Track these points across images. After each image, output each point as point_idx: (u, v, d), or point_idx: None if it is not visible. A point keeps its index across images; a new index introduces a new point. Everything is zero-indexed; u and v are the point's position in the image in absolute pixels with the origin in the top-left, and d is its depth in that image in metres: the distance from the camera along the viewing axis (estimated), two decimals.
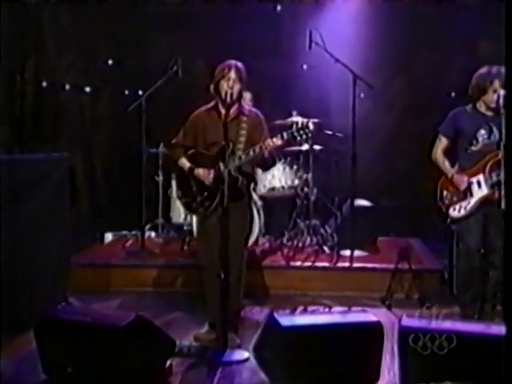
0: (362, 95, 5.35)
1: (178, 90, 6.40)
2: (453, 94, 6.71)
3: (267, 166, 4.14)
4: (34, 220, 4.35)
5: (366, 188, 5.99)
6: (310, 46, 5.29)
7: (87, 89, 7.01)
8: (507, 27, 3.22)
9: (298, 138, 3.65)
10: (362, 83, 5.26)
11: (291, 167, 5.74)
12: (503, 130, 3.79)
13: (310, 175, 5.79)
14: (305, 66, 6.71)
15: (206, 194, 3.99)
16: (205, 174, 3.98)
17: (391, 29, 6.64)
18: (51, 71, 6.76)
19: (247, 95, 5.57)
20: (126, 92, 7.04)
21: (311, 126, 3.62)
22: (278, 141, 3.74)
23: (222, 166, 3.88)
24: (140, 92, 6.94)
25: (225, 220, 3.72)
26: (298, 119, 5.62)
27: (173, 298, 5.08)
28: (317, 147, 5.81)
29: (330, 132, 5.83)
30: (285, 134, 3.71)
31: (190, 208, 4.15)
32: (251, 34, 6.71)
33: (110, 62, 7.07)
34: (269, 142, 3.76)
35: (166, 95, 6.36)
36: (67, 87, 6.86)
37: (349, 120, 5.30)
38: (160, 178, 6.26)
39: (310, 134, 3.64)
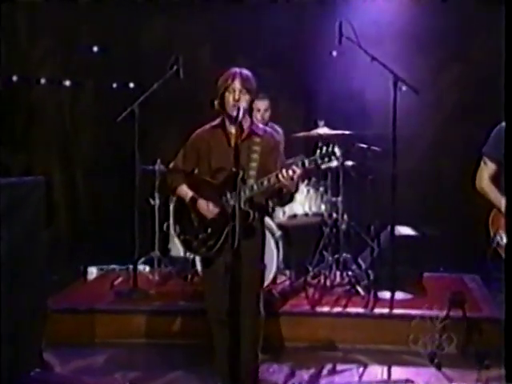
0: (403, 88, 5.30)
1: (179, 91, 6.38)
2: None
3: (283, 201, 4.10)
4: (4, 256, 4.33)
5: (409, 213, 5.94)
6: (339, 41, 5.32)
7: (67, 82, 7.03)
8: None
9: (323, 166, 3.61)
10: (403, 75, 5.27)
11: (316, 189, 5.69)
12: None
13: (339, 198, 5.75)
14: (334, 53, 6.62)
15: (209, 230, 3.97)
16: (207, 208, 3.96)
17: (438, 9, 6.58)
18: (23, 63, 6.77)
19: (264, 103, 5.55)
20: (114, 85, 7.05)
21: (338, 152, 3.60)
22: (297, 170, 3.70)
23: (229, 197, 3.86)
24: (131, 85, 6.99)
25: (236, 264, 3.66)
26: (324, 131, 5.61)
27: (171, 351, 5.05)
28: (348, 164, 5.77)
29: (364, 145, 5.78)
30: (306, 162, 3.67)
31: (189, 247, 4.12)
32: (266, 18, 6.69)
33: (95, 49, 7.07)
34: (286, 171, 3.72)
35: (165, 98, 6.35)
36: (42, 81, 6.89)
37: (387, 130, 5.27)
38: (156, 202, 6.24)
39: (336, 162, 3.61)
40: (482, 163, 4.22)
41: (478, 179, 4.23)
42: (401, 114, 5.29)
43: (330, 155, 3.61)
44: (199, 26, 6.86)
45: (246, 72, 3.95)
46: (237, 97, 3.86)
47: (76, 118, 7.24)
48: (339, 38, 5.28)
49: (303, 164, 3.68)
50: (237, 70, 3.95)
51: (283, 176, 3.71)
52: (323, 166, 3.65)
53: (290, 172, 3.70)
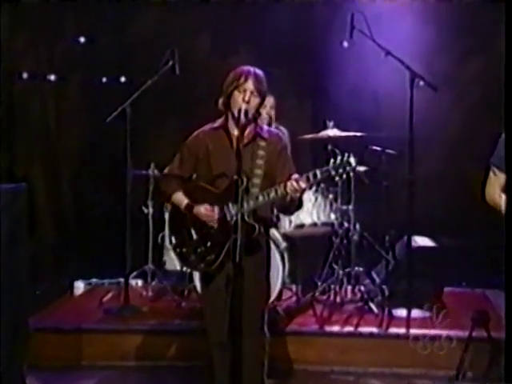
0: (421, 83, 5.31)
1: (176, 88, 6.39)
2: None
3: (290, 210, 4.12)
4: None
5: (427, 222, 5.93)
6: (351, 35, 5.38)
7: (51, 77, 7.02)
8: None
9: (337, 178, 3.64)
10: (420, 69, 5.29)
11: (326, 196, 5.70)
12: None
13: (350, 206, 5.77)
14: (345, 44, 6.63)
15: (209, 244, 3.97)
16: (208, 213, 3.95)
17: None
18: (2, 55, 6.75)
19: (269, 100, 5.57)
20: (104, 80, 7.06)
21: (353, 162, 3.62)
22: (303, 184, 3.71)
23: (232, 207, 3.86)
24: (122, 79, 7.00)
25: (238, 281, 3.67)
26: (334, 133, 5.64)
27: (166, 375, 5.07)
28: (360, 168, 5.75)
29: (377, 148, 5.78)
30: (318, 173, 3.69)
31: (186, 262, 4.14)
32: (269, 9, 6.70)
33: (82, 39, 7.08)
34: (293, 183, 3.72)
35: (159, 96, 6.35)
36: (24, 76, 6.87)
37: (403, 131, 5.27)
38: (150, 210, 6.26)
39: (351, 173, 3.64)
40: (490, 174, 4.24)
41: (488, 191, 4.24)
42: (418, 114, 5.29)
43: (345, 166, 3.63)
44: (197, 15, 6.86)
45: (259, 72, 3.96)
46: (247, 98, 3.87)
47: (61, 116, 7.23)
48: (351, 30, 5.34)
49: (315, 175, 3.69)
50: (250, 68, 3.96)
51: (291, 188, 3.72)
52: (337, 178, 3.65)
53: (296, 186, 3.70)
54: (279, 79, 6.27)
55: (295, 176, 3.74)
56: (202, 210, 3.97)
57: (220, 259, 3.91)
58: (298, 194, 3.77)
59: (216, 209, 3.93)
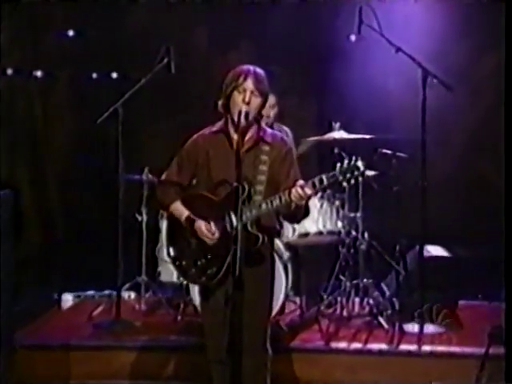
0: (434, 81, 5.32)
1: (171, 86, 6.38)
2: None
3: (296, 218, 4.10)
4: None
5: (441, 230, 5.91)
6: (359, 30, 5.38)
7: (38, 73, 7.01)
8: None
9: (344, 184, 3.63)
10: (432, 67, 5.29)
11: (332, 203, 5.69)
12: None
13: (358, 214, 5.77)
14: (352, 37, 6.63)
15: (209, 256, 3.95)
16: (207, 231, 3.94)
17: None
18: None
19: (270, 99, 5.56)
20: (94, 75, 7.05)
21: (361, 167, 3.61)
22: (309, 191, 3.70)
23: (233, 217, 3.83)
24: (114, 75, 6.99)
25: (237, 296, 3.65)
26: (340, 135, 5.64)
27: None
28: (369, 173, 5.70)
29: (387, 151, 5.77)
30: (324, 179, 3.67)
31: (185, 275, 4.14)
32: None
33: (71, 33, 7.07)
34: (298, 190, 3.70)
35: (154, 95, 6.34)
36: (9, 72, 6.85)
37: (415, 133, 5.27)
38: (144, 218, 6.25)
39: (360, 178, 3.67)
40: None
41: None
42: (431, 114, 5.30)
43: (353, 170, 3.62)
44: (194, 10, 6.85)
45: (260, 71, 3.97)
46: (247, 99, 3.88)
47: (49, 115, 7.22)
48: (359, 25, 5.35)
49: (321, 181, 3.68)
50: (250, 67, 3.96)
51: (296, 196, 3.70)
52: (345, 184, 3.64)
53: (301, 192, 3.68)
54: (281, 78, 6.27)
55: (300, 182, 3.72)
56: (203, 228, 3.94)
57: (222, 273, 3.89)
58: (303, 202, 3.75)
59: (217, 232, 3.91)
